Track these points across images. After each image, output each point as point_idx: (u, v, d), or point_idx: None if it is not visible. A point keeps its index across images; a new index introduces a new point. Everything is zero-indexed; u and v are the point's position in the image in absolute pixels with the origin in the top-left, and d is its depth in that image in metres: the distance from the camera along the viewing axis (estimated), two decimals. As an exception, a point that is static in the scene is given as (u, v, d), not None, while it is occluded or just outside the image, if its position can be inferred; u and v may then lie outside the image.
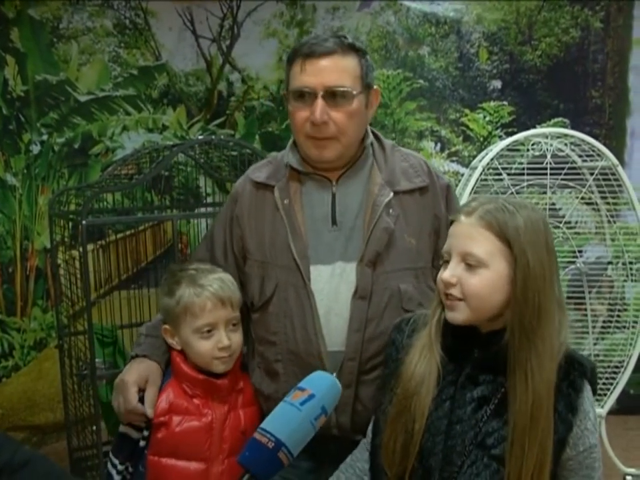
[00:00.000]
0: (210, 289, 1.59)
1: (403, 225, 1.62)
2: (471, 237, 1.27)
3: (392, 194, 1.61)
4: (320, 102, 1.54)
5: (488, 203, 1.29)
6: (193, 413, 1.60)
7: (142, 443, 1.62)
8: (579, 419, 1.26)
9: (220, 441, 1.60)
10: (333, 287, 1.59)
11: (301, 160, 1.66)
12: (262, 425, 1.18)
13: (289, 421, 1.18)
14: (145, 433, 1.61)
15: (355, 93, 1.56)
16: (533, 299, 1.24)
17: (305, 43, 1.57)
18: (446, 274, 1.29)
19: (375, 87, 1.66)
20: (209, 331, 1.59)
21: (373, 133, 1.74)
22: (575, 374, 1.27)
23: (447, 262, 1.31)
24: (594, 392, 1.31)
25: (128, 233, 3.53)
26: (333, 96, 1.55)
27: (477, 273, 1.26)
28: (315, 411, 1.20)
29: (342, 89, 1.54)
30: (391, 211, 1.60)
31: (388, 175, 1.65)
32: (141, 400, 1.57)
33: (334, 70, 1.54)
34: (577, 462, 1.27)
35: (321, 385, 1.26)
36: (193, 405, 1.60)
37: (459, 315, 1.29)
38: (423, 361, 1.33)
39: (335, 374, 1.50)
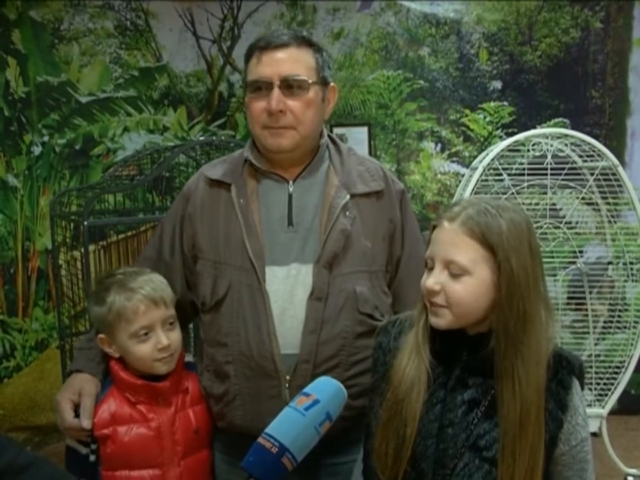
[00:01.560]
0: (141, 292, 1.55)
1: (359, 227, 1.62)
2: (453, 244, 1.25)
3: (348, 196, 1.61)
4: (276, 91, 1.54)
5: (470, 207, 1.27)
6: (138, 420, 1.56)
7: (92, 458, 1.57)
8: (569, 415, 1.26)
9: (172, 444, 1.57)
10: (288, 288, 1.57)
11: (259, 157, 1.65)
12: (266, 430, 1.18)
13: (293, 426, 1.18)
14: (93, 447, 1.56)
15: (310, 82, 1.57)
16: (517, 305, 1.22)
17: (261, 37, 1.59)
18: (429, 281, 1.28)
19: (332, 83, 1.67)
20: (145, 334, 1.55)
21: (329, 136, 1.73)
22: (563, 372, 1.27)
23: (431, 269, 1.30)
24: (582, 387, 1.30)
25: (129, 233, 3.53)
26: (289, 86, 1.55)
27: (460, 280, 1.25)
28: (319, 416, 1.21)
29: (297, 77, 1.55)
30: (347, 213, 1.60)
31: (344, 177, 1.64)
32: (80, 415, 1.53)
33: (289, 60, 1.56)
34: (570, 457, 1.27)
35: (326, 390, 1.26)
36: (137, 411, 1.57)
37: (442, 320, 1.28)
38: (411, 366, 1.31)
39: (288, 377, 1.52)
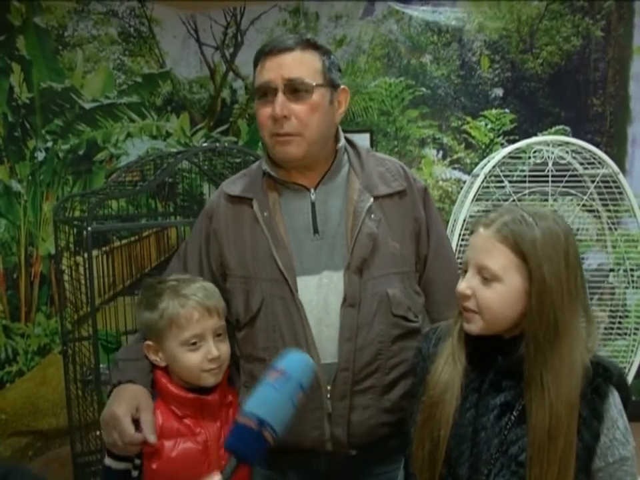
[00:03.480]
0: (195, 299, 1.52)
1: (385, 229, 1.60)
2: (486, 250, 1.27)
3: (372, 199, 1.59)
4: (280, 96, 1.52)
5: (507, 214, 1.27)
6: (185, 434, 1.51)
7: (134, 473, 1.51)
8: (605, 428, 1.23)
9: (218, 459, 1.51)
10: (321, 297, 1.55)
11: (276, 168, 1.63)
12: (244, 408, 1.19)
13: (269, 400, 1.19)
14: (137, 462, 1.51)
15: (314, 84, 1.54)
16: (548, 314, 1.22)
17: (267, 43, 1.58)
18: (462, 286, 1.30)
19: (343, 86, 1.64)
20: (195, 343, 1.51)
21: (346, 138, 1.70)
22: (599, 380, 1.24)
23: (465, 272, 1.31)
24: (626, 400, 1.27)
25: (132, 239, 3.55)
26: (294, 90, 1.53)
27: (491, 286, 1.26)
28: (292, 388, 1.22)
29: (300, 80, 1.53)
30: (372, 216, 1.58)
31: (365, 180, 1.62)
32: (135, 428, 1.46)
33: (292, 63, 1.54)
34: (607, 474, 1.24)
35: (296, 363, 1.27)
36: (184, 425, 1.52)
37: (474, 326, 1.29)
38: (447, 370, 1.32)
39: (329, 387, 1.51)
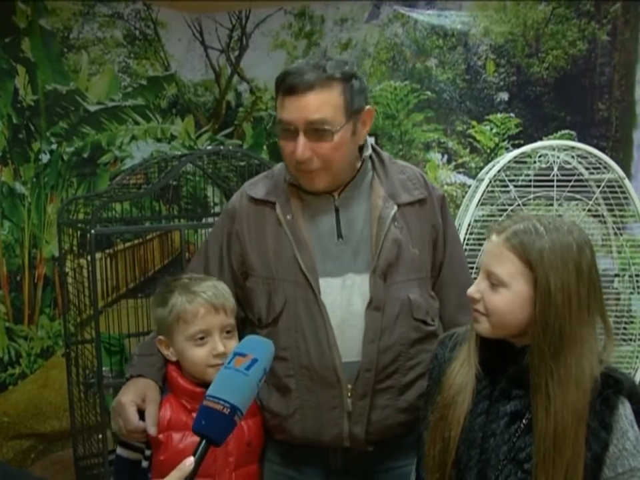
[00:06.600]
0: (203, 296, 1.58)
1: (407, 236, 1.65)
2: (495, 256, 1.30)
3: (396, 207, 1.64)
4: (302, 139, 1.53)
5: (520, 222, 1.30)
6: None
7: (144, 464, 1.59)
8: (615, 438, 1.23)
9: (225, 455, 1.56)
10: (345, 297, 1.59)
11: None
12: (212, 393, 1.20)
13: (239, 386, 1.21)
14: (147, 453, 1.58)
15: (337, 128, 1.54)
16: (553, 324, 1.23)
17: (286, 75, 1.54)
18: (472, 289, 1.34)
19: (367, 107, 1.63)
20: (202, 338, 1.57)
21: (371, 145, 1.73)
22: (609, 391, 1.25)
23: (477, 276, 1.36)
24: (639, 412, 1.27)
25: (136, 242, 3.55)
26: (315, 131, 1.53)
27: (498, 291, 1.29)
28: (259, 373, 1.24)
29: (322, 126, 1.53)
30: (396, 223, 1.63)
31: (389, 188, 1.67)
32: (141, 419, 1.53)
33: (313, 105, 1.52)
34: None
35: (261, 348, 1.29)
36: (192, 419, 1.56)
37: (480, 327, 1.33)
38: (461, 372, 1.36)
39: (350, 386, 1.56)
